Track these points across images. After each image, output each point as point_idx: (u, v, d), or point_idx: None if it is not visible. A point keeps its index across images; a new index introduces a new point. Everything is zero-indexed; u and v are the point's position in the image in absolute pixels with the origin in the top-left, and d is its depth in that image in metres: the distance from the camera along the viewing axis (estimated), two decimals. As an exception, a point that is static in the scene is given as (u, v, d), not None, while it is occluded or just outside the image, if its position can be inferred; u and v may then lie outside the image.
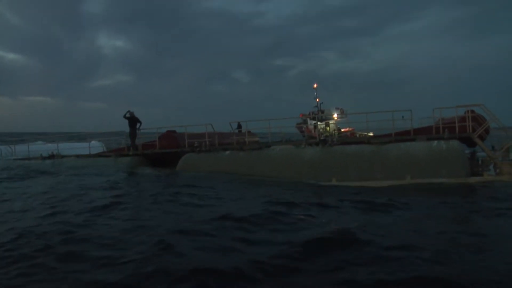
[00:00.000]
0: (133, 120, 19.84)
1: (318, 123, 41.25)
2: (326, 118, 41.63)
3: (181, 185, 13.48)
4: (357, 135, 29.20)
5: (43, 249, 6.08)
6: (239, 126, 27.55)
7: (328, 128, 39.36)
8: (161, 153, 19.83)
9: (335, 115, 38.87)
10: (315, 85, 48.54)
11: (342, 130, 35.07)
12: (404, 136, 16.74)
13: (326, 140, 16.62)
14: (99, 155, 21.62)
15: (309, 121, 42.44)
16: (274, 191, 12.25)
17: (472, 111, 16.85)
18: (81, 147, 24.92)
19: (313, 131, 40.62)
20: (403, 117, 18.72)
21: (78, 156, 21.67)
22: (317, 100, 47.49)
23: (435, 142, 15.19)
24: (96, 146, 28.00)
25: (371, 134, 27.73)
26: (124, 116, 19.84)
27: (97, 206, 9.66)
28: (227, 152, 17.45)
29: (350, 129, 33.20)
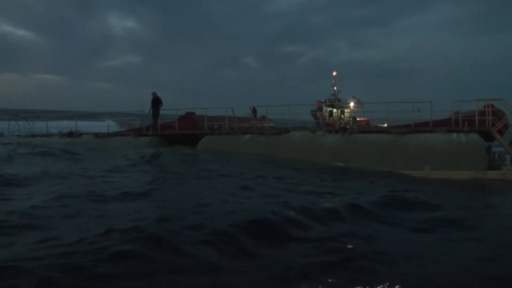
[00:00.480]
0: (156, 101, 20.14)
1: (334, 110, 41.46)
2: (342, 106, 41.70)
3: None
4: (372, 126, 29.33)
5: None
6: (255, 111, 27.79)
7: (343, 116, 39.44)
8: (180, 134, 20.15)
9: (351, 104, 38.96)
10: (334, 73, 48.68)
11: (358, 119, 35.11)
12: (422, 127, 16.86)
13: (346, 128, 16.79)
14: (117, 134, 21.93)
15: (324, 108, 42.58)
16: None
17: (492, 106, 16.88)
18: (97, 126, 25.38)
19: (327, 118, 40.81)
20: (418, 109, 19.00)
21: (96, 134, 21.99)
22: (335, 88, 47.65)
23: (454, 135, 15.30)
24: (111, 125, 28.53)
25: (385, 125, 27.78)
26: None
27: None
28: (247, 135, 17.78)
29: (365, 119, 33.31)
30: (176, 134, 20.15)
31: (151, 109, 20.27)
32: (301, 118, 23.98)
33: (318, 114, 40.06)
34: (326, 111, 41.65)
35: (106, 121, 30.06)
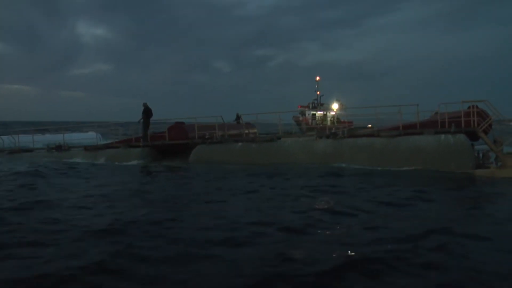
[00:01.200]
0: (146, 111, 20.05)
1: (316, 113, 42.00)
2: (325, 110, 42.24)
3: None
4: (359, 129, 29.88)
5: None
6: (238, 117, 28.06)
7: (326, 119, 39.94)
8: (171, 144, 20.12)
9: (334, 107, 39.51)
10: (317, 78, 48.74)
11: (341, 121, 35.65)
12: (411, 129, 17.30)
13: (337, 132, 17.10)
14: (107, 146, 21.65)
15: (307, 112, 43.04)
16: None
17: (476, 106, 17.44)
18: (81, 138, 25.01)
19: (310, 121, 41.29)
20: (399, 111, 19.58)
21: (86, 147, 21.73)
22: (318, 92, 47.73)
23: (442, 136, 15.79)
24: (93, 137, 28.05)
25: (369, 126, 28.30)
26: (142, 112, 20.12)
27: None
28: (240, 144, 17.87)
29: (349, 122, 33.83)
30: (166, 145, 20.11)
31: (142, 120, 20.15)
32: (283, 122, 24.41)
33: (301, 119, 40.51)
34: (308, 114, 42.11)
35: (88, 132, 29.75)
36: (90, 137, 27.60)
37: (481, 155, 17.51)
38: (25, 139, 25.32)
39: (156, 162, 18.83)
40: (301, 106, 45.12)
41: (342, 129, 17.77)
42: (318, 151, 16.22)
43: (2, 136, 26.22)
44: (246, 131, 24.01)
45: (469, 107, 17.43)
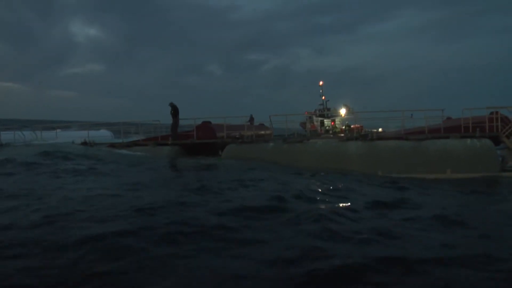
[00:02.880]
0: (175, 110, 20.47)
1: (324, 120, 42.62)
2: (332, 115, 42.84)
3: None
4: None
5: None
6: (252, 119, 28.68)
7: (336, 126, 40.61)
8: (198, 143, 20.53)
9: (342, 112, 40.12)
10: (321, 83, 49.08)
11: (352, 126, 36.29)
12: (436, 133, 18.03)
13: (367, 135, 17.75)
14: (134, 143, 21.87)
15: (314, 118, 43.54)
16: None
17: (497, 112, 18.26)
18: (96, 136, 25.09)
19: (319, 128, 41.88)
20: (411, 115, 20.61)
21: (113, 144, 22.02)
22: (323, 98, 48.08)
23: (468, 140, 16.54)
24: (106, 135, 28.35)
25: (380, 130, 29.12)
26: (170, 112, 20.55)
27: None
28: (271, 144, 18.35)
29: (359, 126, 34.52)
30: (194, 143, 20.50)
31: (172, 119, 20.54)
32: (290, 127, 25.22)
33: (308, 125, 41.07)
34: (317, 121, 42.64)
35: (100, 130, 29.93)
36: (103, 134, 27.89)
37: (501, 159, 18.34)
38: (46, 135, 25.45)
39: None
40: (308, 113, 45.49)
41: (370, 132, 18.42)
42: (350, 152, 16.78)
43: (23, 132, 26.33)
44: (262, 132, 24.61)
45: (491, 113, 18.26)
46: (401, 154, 16.31)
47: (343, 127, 37.62)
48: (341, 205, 8.41)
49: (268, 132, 24.65)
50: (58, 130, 26.74)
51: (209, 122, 21.86)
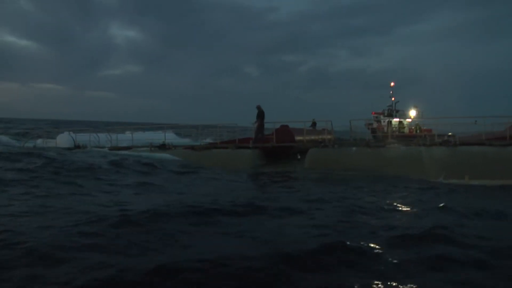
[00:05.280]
0: (261, 114, 21.19)
1: (392, 120, 42.17)
2: (401, 117, 42.32)
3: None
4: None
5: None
6: (314, 123, 29.06)
7: (403, 126, 40.14)
8: (276, 147, 21.13)
9: (412, 114, 39.55)
10: (392, 84, 48.24)
11: (422, 129, 35.80)
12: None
13: (449, 140, 17.73)
14: (213, 146, 22.65)
15: (382, 119, 43.18)
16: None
17: None
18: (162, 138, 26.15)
19: (385, 128, 41.49)
20: (476, 121, 20.42)
21: (193, 147, 23.00)
22: (393, 98, 47.01)
23: None
24: (172, 137, 29.06)
25: (450, 134, 28.54)
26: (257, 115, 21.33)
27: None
28: (354, 148, 18.69)
29: (428, 129, 34.05)
30: (274, 147, 21.09)
31: (256, 122, 21.21)
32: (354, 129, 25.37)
33: (375, 126, 40.79)
34: (384, 121, 42.22)
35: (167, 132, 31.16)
36: (170, 137, 28.50)
37: None
38: (120, 137, 26.20)
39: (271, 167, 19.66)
40: (375, 113, 45.18)
41: (453, 137, 18.34)
42: (436, 157, 16.82)
43: (98, 134, 27.53)
44: (329, 136, 24.73)
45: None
46: (487, 160, 16.17)
47: (413, 129, 37.10)
48: None
49: (329, 136, 24.73)
50: (127, 133, 27.74)
51: (287, 126, 22.46)
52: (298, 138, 21.45)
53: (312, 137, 22.73)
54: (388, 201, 10.79)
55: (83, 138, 26.24)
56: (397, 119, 42.42)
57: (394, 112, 44.25)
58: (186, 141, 29.90)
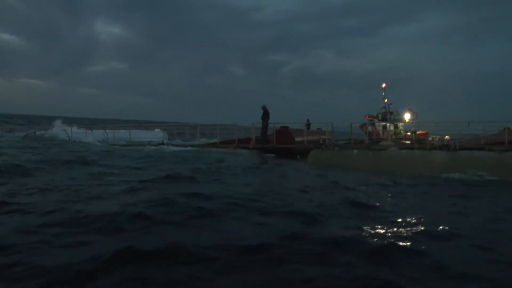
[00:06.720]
0: (266, 114, 21.23)
1: (387, 124, 42.29)
2: (395, 120, 42.37)
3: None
4: (431, 138, 30.48)
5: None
6: (308, 125, 29.22)
7: (398, 130, 40.19)
8: (276, 148, 21.20)
9: (407, 117, 39.65)
10: (383, 85, 48.14)
11: (418, 132, 35.97)
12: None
13: (450, 145, 17.94)
14: (213, 145, 22.64)
15: (377, 123, 43.20)
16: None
17: None
18: (149, 137, 25.99)
19: (381, 133, 41.60)
20: (469, 124, 20.86)
21: (192, 146, 22.99)
22: (385, 100, 47.23)
23: None
24: (160, 135, 28.66)
25: (447, 137, 28.86)
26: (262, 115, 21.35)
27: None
28: (355, 151, 18.82)
29: (424, 132, 34.22)
30: (274, 148, 21.17)
31: (263, 122, 21.26)
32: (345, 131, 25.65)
33: (370, 129, 40.86)
34: (379, 125, 42.23)
35: (155, 131, 30.77)
36: (158, 136, 28.09)
37: None
38: (118, 135, 25.80)
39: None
40: (369, 116, 45.24)
41: (453, 141, 18.55)
42: (436, 161, 17.01)
43: (94, 131, 27.26)
44: (325, 137, 24.85)
45: None
46: (488, 165, 16.39)
47: (408, 133, 37.29)
48: None
49: (325, 137, 24.83)
50: (122, 130, 27.20)
51: (287, 127, 22.55)
52: (298, 139, 21.52)
53: (312, 138, 22.80)
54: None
55: (78, 136, 25.95)
56: (392, 124, 42.59)
57: (389, 115, 44.29)
58: (178, 141, 29.65)
